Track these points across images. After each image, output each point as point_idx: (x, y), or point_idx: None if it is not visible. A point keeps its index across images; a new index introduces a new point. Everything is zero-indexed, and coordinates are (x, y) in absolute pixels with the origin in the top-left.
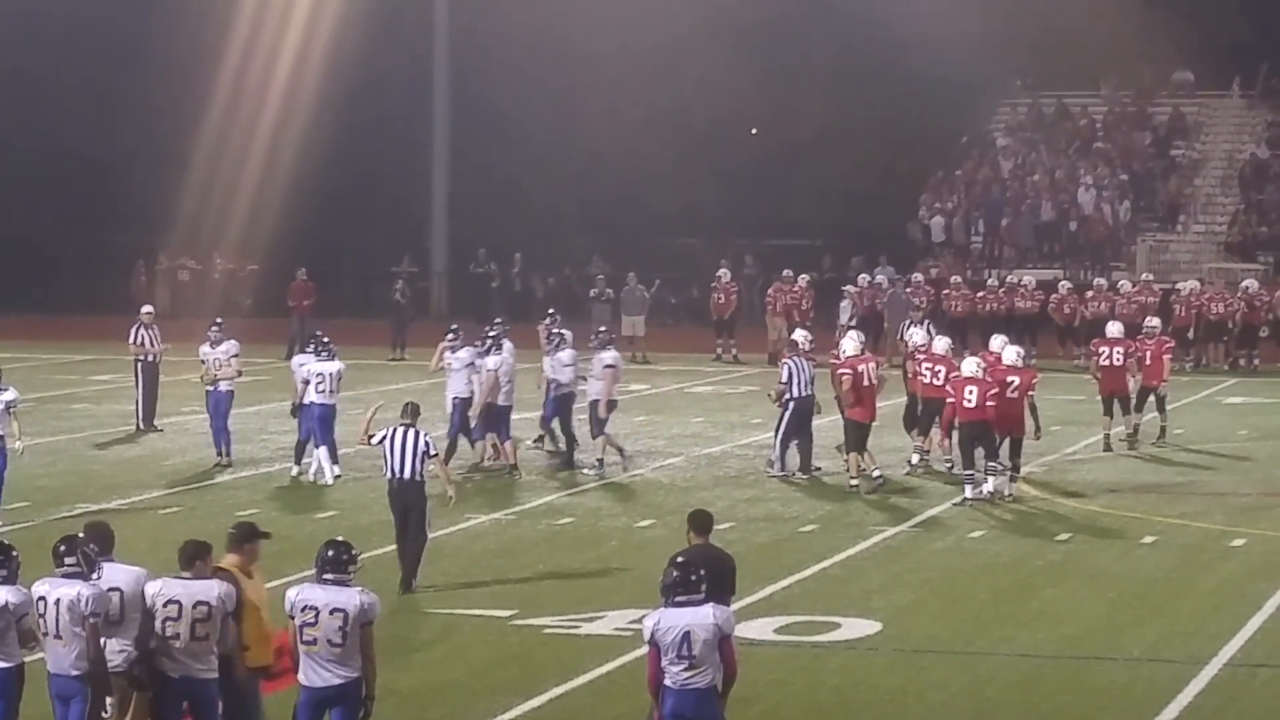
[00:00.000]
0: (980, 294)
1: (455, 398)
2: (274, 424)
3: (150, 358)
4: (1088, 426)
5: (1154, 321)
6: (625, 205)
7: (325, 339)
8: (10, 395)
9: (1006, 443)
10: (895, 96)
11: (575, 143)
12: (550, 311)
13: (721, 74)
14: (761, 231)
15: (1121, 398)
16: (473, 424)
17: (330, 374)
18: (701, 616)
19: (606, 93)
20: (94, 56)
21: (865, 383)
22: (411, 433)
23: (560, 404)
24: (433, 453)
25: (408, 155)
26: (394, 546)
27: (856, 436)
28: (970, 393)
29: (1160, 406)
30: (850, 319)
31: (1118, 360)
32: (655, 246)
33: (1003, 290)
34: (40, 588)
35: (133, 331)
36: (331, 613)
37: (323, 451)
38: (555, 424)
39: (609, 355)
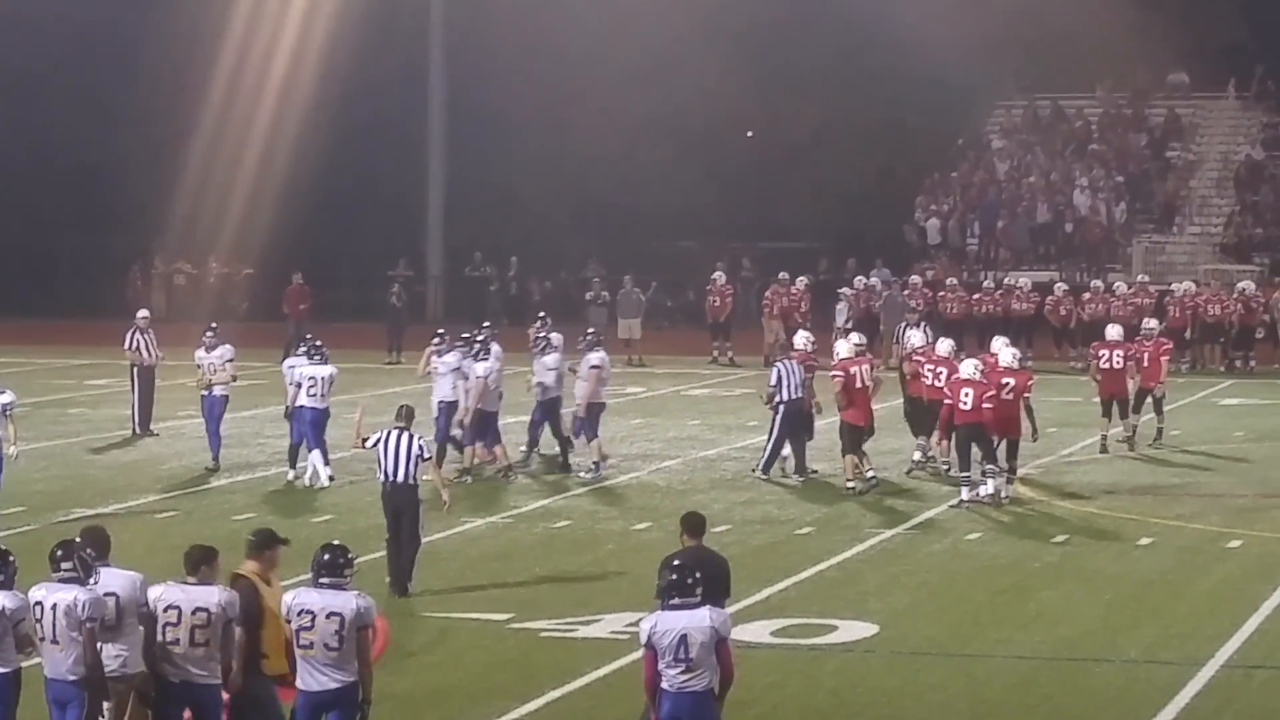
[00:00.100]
0: (976, 296)
1: (440, 401)
2: (270, 428)
3: (145, 363)
4: (1084, 428)
5: (1151, 323)
6: (621, 208)
7: (318, 342)
8: (7, 398)
9: (1003, 445)
10: (891, 99)
11: (571, 146)
12: (541, 315)
13: (717, 77)
14: (757, 234)
15: (1121, 400)
16: (461, 428)
17: (322, 377)
18: (698, 619)
19: (602, 96)
20: (89, 61)
21: (858, 385)
22: (405, 436)
23: (546, 409)
24: (426, 456)
25: (403, 159)
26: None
27: (851, 439)
28: (966, 395)
29: (1157, 408)
30: (847, 321)
31: (1118, 363)
32: (651, 249)
33: (999, 292)
34: (37, 593)
35: (128, 336)
36: (328, 617)
37: (315, 455)
38: (543, 429)
39: (595, 356)
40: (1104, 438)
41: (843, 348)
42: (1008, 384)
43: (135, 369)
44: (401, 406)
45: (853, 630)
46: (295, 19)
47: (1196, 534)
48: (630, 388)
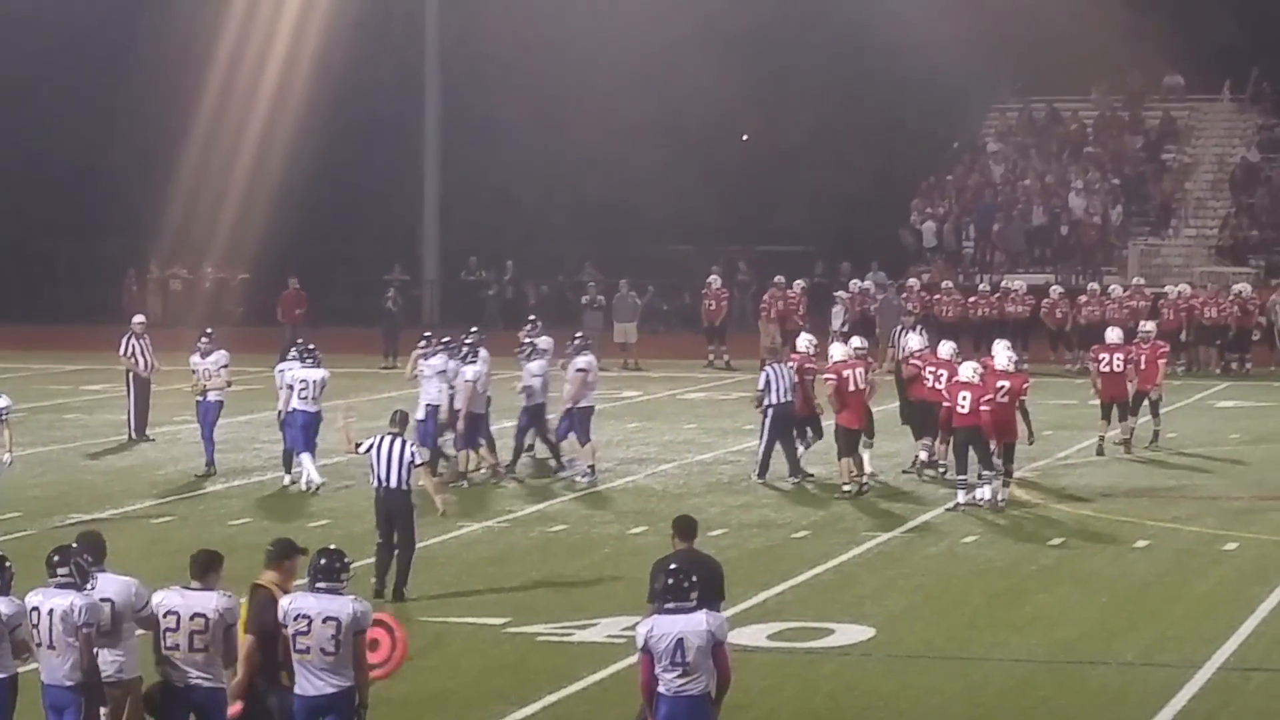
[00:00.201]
0: (971, 299)
1: (427, 404)
2: (265, 433)
3: (141, 369)
4: (1080, 431)
5: (1148, 326)
6: (617, 212)
7: (310, 345)
8: (2, 403)
9: (999, 448)
10: (886, 102)
11: (567, 150)
12: (531, 318)
13: (712, 81)
14: (753, 238)
15: (1121, 403)
16: (453, 431)
17: (313, 380)
18: (695, 623)
19: (598, 99)
20: (83, 66)
21: (851, 388)
22: (399, 442)
23: (531, 415)
24: (418, 462)
25: (399, 163)
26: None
27: (846, 442)
28: (964, 398)
29: (1154, 410)
30: (843, 325)
31: (1118, 366)
32: (647, 253)
33: (995, 295)
34: (34, 598)
35: (123, 342)
36: (324, 621)
37: (305, 458)
38: (530, 435)
39: (582, 360)
40: (1101, 439)
41: (837, 351)
42: (1003, 387)
43: (130, 374)
44: (396, 412)
45: (849, 634)
46: (289, 23)
47: (1193, 536)
48: (626, 391)
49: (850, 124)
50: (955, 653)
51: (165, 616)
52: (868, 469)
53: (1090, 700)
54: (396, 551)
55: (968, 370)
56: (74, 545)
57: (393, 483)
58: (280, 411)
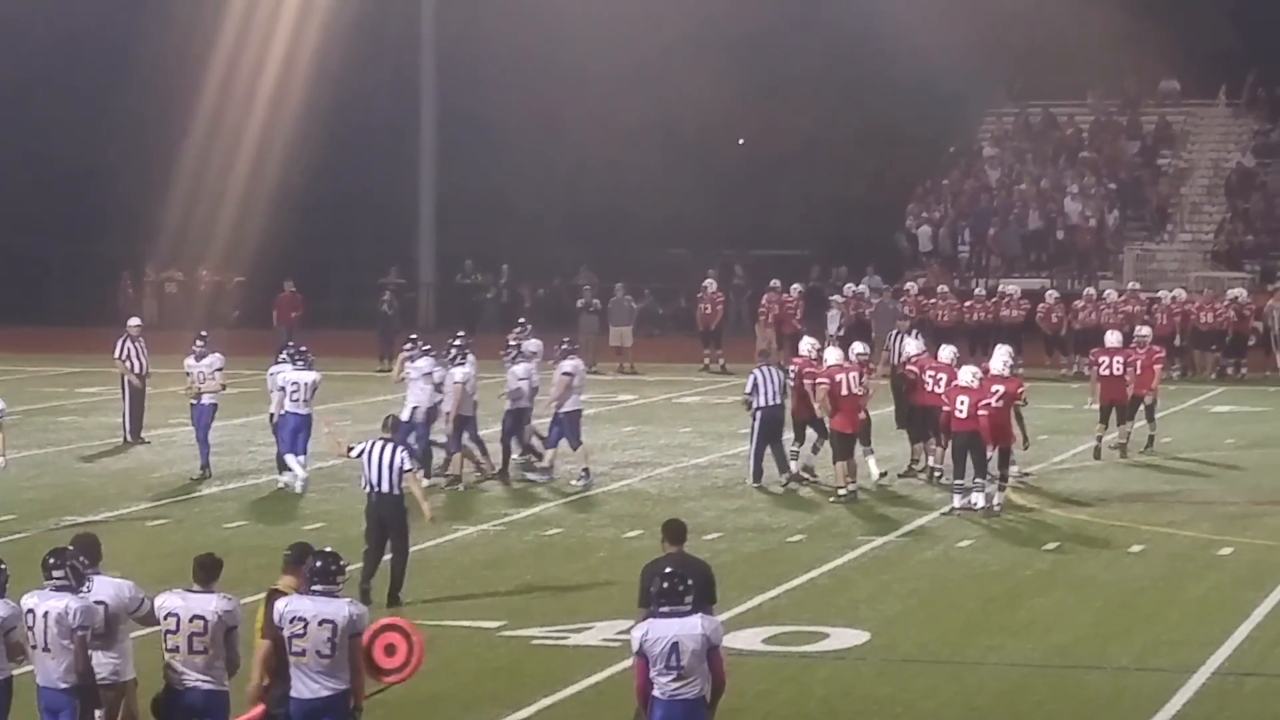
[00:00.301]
0: (967, 304)
1: (414, 407)
2: (261, 436)
3: (136, 372)
4: (1075, 435)
5: (1144, 331)
6: (612, 216)
7: (303, 348)
8: None
9: (994, 453)
10: (882, 107)
11: (562, 154)
12: (521, 321)
13: (708, 85)
14: (749, 241)
15: (1120, 407)
16: (433, 435)
17: (305, 383)
18: (690, 627)
19: (593, 104)
20: (80, 67)
21: (844, 392)
22: (389, 447)
23: (513, 418)
24: (407, 467)
25: (395, 166)
26: (384, 557)
27: (840, 446)
28: (962, 402)
29: (1149, 415)
30: (839, 329)
31: (1118, 369)
32: (643, 257)
33: (991, 300)
34: (29, 600)
35: (119, 345)
36: (320, 624)
37: (291, 459)
38: (506, 437)
39: (568, 364)
40: (1099, 440)
41: (831, 355)
42: (997, 391)
43: (126, 377)
44: (388, 417)
45: (844, 638)
46: (286, 26)
47: (1187, 541)
48: (622, 395)
49: (846, 128)
50: (950, 657)
51: (166, 619)
52: (875, 473)
53: (1085, 705)
54: (390, 556)
55: (967, 375)
56: (70, 548)
57: (384, 487)
58: (273, 414)
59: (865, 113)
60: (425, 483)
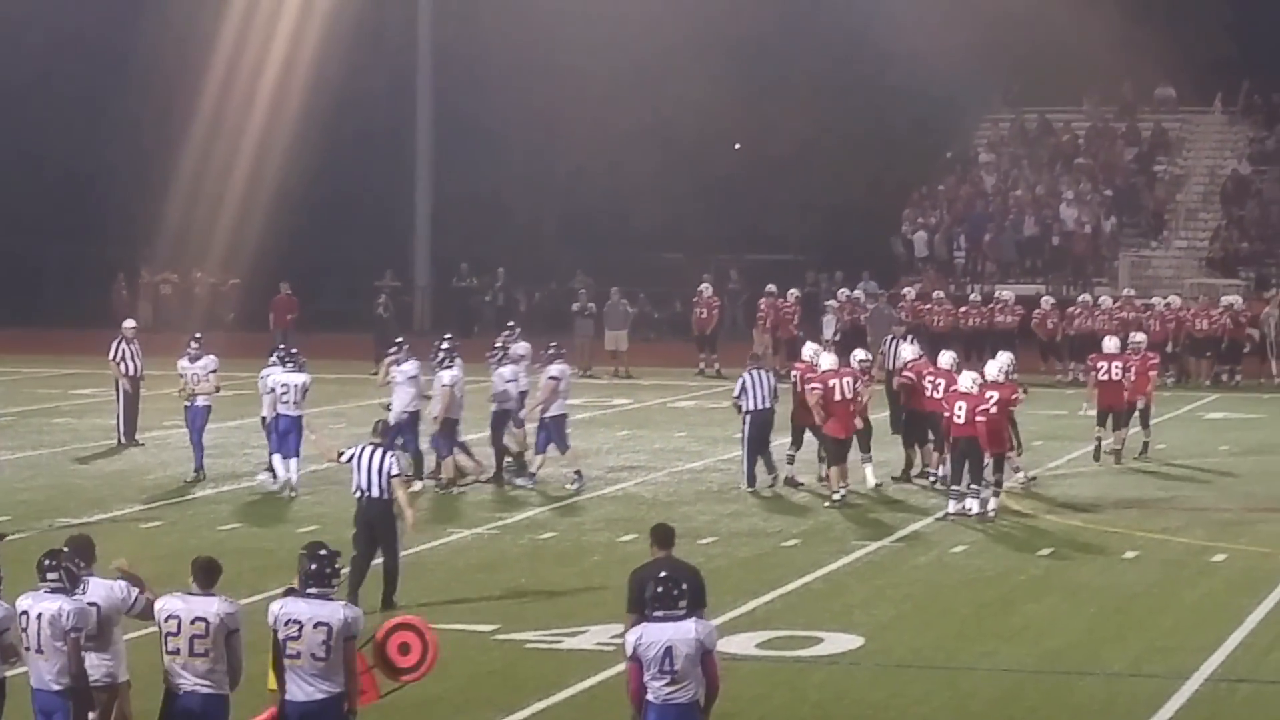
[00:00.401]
0: (963, 309)
1: (402, 411)
2: (255, 438)
3: (130, 374)
4: (1069, 441)
5: (1139, 337)
6: (608, 220)
7: (293, 350)
8: None
9: (991, 458)
10: (878, 112)
11: (558, 158)
12: (510, 325)
13: (705, 89)
14: (744, 246)
15: (1117, 412)
16: (422, 438)
17: (295, 385)
18: (684, 631)
19: (590, 108)
20: (78, 69)
21: (837, 397)
22: (379, 452)
23: (495, 420)
24: (395, 472)
25: (391, 170)
26: (379, 560)
27: (834, 451)
28: (960, 408)
29: (1144, 421)
30: (835, 334)
31: (1116, 374)
32: (638, 261)
33: (987, 306)
34: (23, 602)
35: (113, 347)
36: (315, 626)
37: (277, 459)
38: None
39: (554, 368)
40: (1099, 444)
41: (825, 360)
42: (992, 397)
43: (119, 379)
44: (378, 422)
45: (838, 642)
46: (284, 31)
47: (1181, 547)
48: (617, 399)
49: (842, 133)
50: (944, 662)
51: (166, 621)
52: (871, 482)
53: (1078, 711)
54: (381, 561)
55: (966, 380)
56: (65, 549)
57: (374, 492)
58: (264, 417)
59: (861, 118)
60: (417, 485)
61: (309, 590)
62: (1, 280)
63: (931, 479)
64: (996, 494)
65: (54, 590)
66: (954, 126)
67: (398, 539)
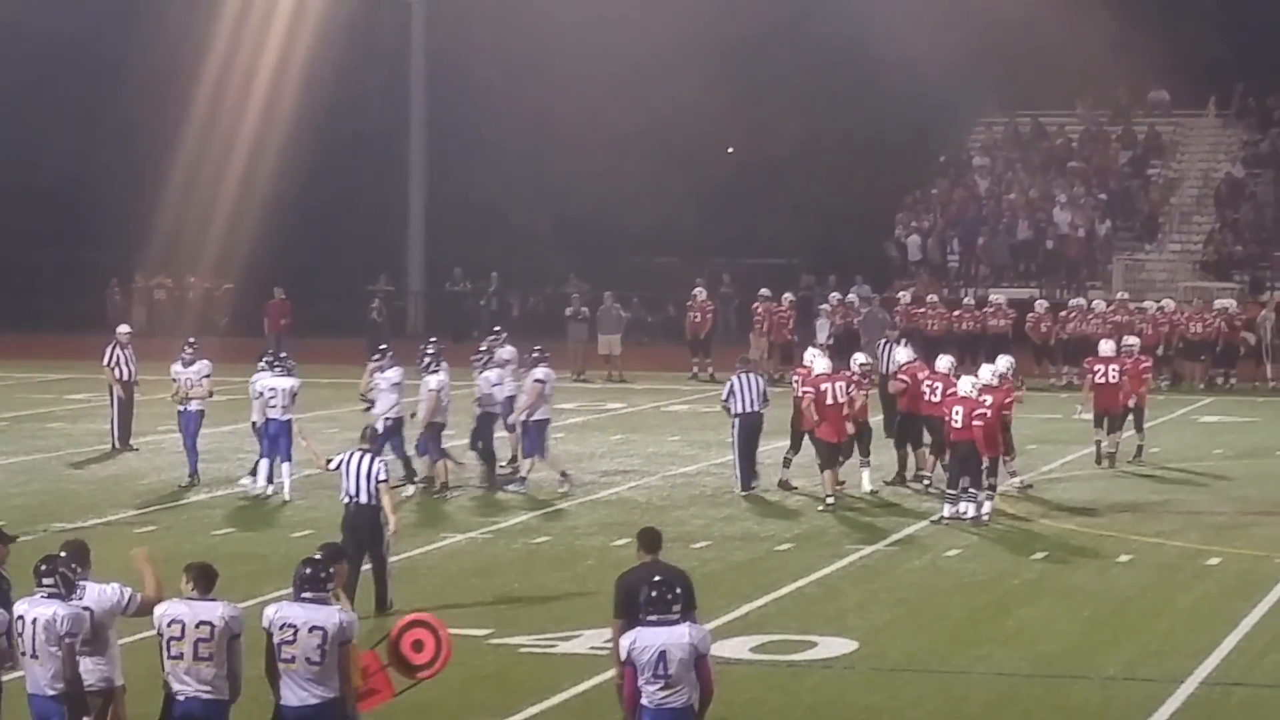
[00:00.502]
0: (956, 313)
1: (385, 417)
2: (249, 443)
3: (125, 379)
4: (1063, 445)
5: (1131, 340)
6: (602, 224)
7: (283, 354)
8: None
9: (986, 462)
10: (871, 115)
11: (552, 162)
12: (496, 329)
13: (698, 93)
14: (738, 250)
15: (1113, 415)
16: (411, 442)
17: (283, 390)
18: (678, 636)
19: (583, 112)
20: (71, 74)
21: (829, 401)
22: (367, 458)
23: (479, 423)
24: (383, 478)
25: (384, 174)
26: (368, 566)
27: (826, 455)
28: (957, 412)
29: (1138, 425)
30: (828, 338)
31: (1113, 377)
32: (632, 265)
33: (981, 310)
34: (19, 607)
35: (108, 352)
36: (310, 631)
37: (263, 463)
38: (492, 440)
39: (539, 371)
40: (1098, 446)
41: (819, 364)
42: (986, 401)
43: (113, 385)
44: (366, 428)
45: (832, 647)
46: (277, 35)
47: (1176, 551)
48: (610, 403)
49: (835, 137)
50: (938, 666)
51: (169, 625)
52: (866, 487)
53: (1072, 715)
54: (370, 567)
55: (965, 385)
56: (61, 554)
57: (362, 498)
58: (254, 421)
59: (855, 122)
60: (409, 490)
61: (304, 595)
62: None
63: (925, 482)
64: (990, 497)
65: (50, 595)
66: (948, 130)
67: (384, 544)
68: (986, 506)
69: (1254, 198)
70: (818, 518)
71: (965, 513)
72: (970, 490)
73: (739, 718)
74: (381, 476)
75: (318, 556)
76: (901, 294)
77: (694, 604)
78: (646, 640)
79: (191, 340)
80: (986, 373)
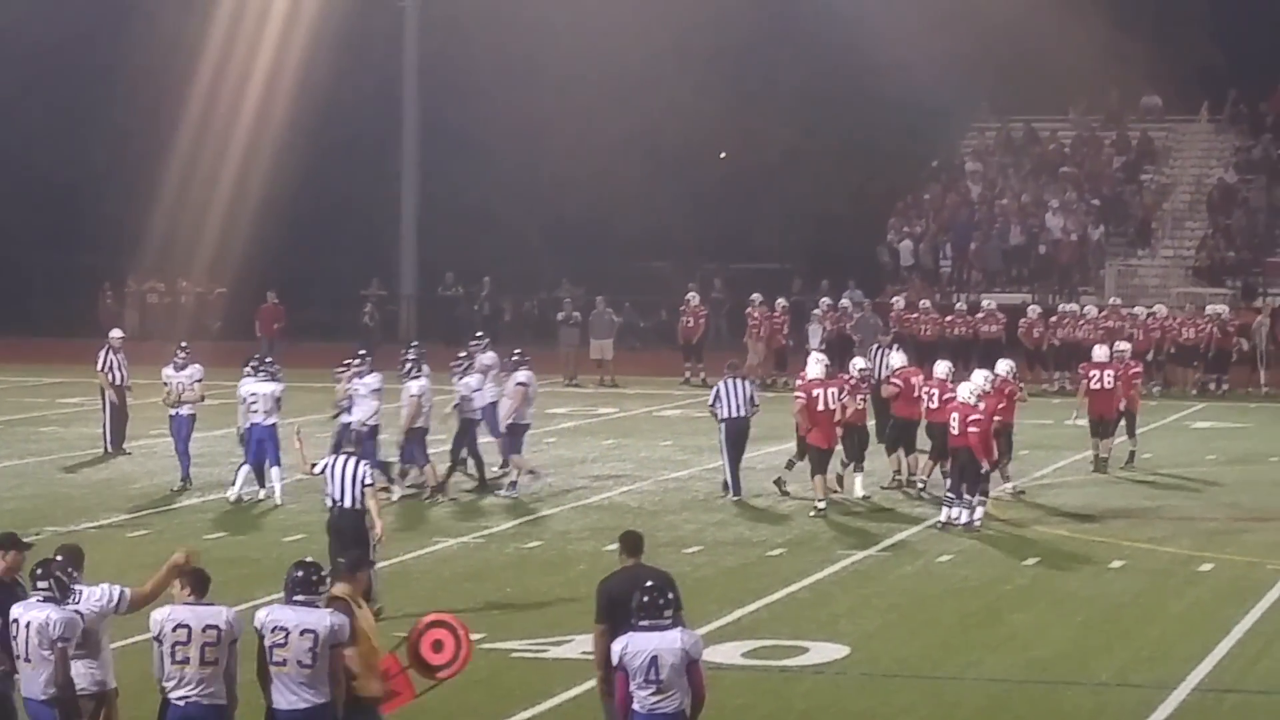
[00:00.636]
0: (949, 318)
1: (361, 422)
2: (242, 448)
3: (117, 384)
4: (1056, 451)
5: (1123, 346)
6: (594, 229)
7: (269, 360)
8: None
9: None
10: (864, 120)
11: (544, 166)
12: (478, 334)
13: (690, 98)
14: (730, 255)
15: (1109, 421)
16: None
17: (264, 394)
18: (669, 641)
19: (575, 117)
20: (64, 78)
21: (820, 407)
22: (352, 462)
23: (460, 429)
24: (369, 482)
25: (377, 178)
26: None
27: (816, 461)
28: (954, 418)
29: (1130, 430)
30: (821, 343)
31: (1108, 383)
32: (624, 270)
33: (974, 316)
34: (15, 610)
35: (101, 356)
36: (301, 634)
37: (244, 470)
38: (475, 446)
39: (521, 375)
40: (1096, 455)
41: (812, 370)
42: (980, 406)
43: (106, 389)
44: (351, 431)
45: (824, 652)
46: (271, 40)
47: (1168, 557)
48: (602, 408)
49: (828, 142)
50: (929, 672)
51: (175, 630)
52: (859, 493)
53: None
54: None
55: (964, 391)
56: (58, 558)
57: (346, 502)
58: (238, 427)
59: (847, 126)
60: (398, 493)
61: (295, 598)
62: None
63: (920, 486)
64: (983, 503)
65: (45, 599)
66: (940, 135)
67: (369, 548)
68: (979, 512)
69: (1246, 203)
70: (809, 523)
71: (958, 518)
72: (965, 496)
73: None
74: (367, 481)
75: (310, 560)
76: (895, 299)
77: (680, 605)
78: (639, 645)
79: (184, 344)
80: (979, 378)
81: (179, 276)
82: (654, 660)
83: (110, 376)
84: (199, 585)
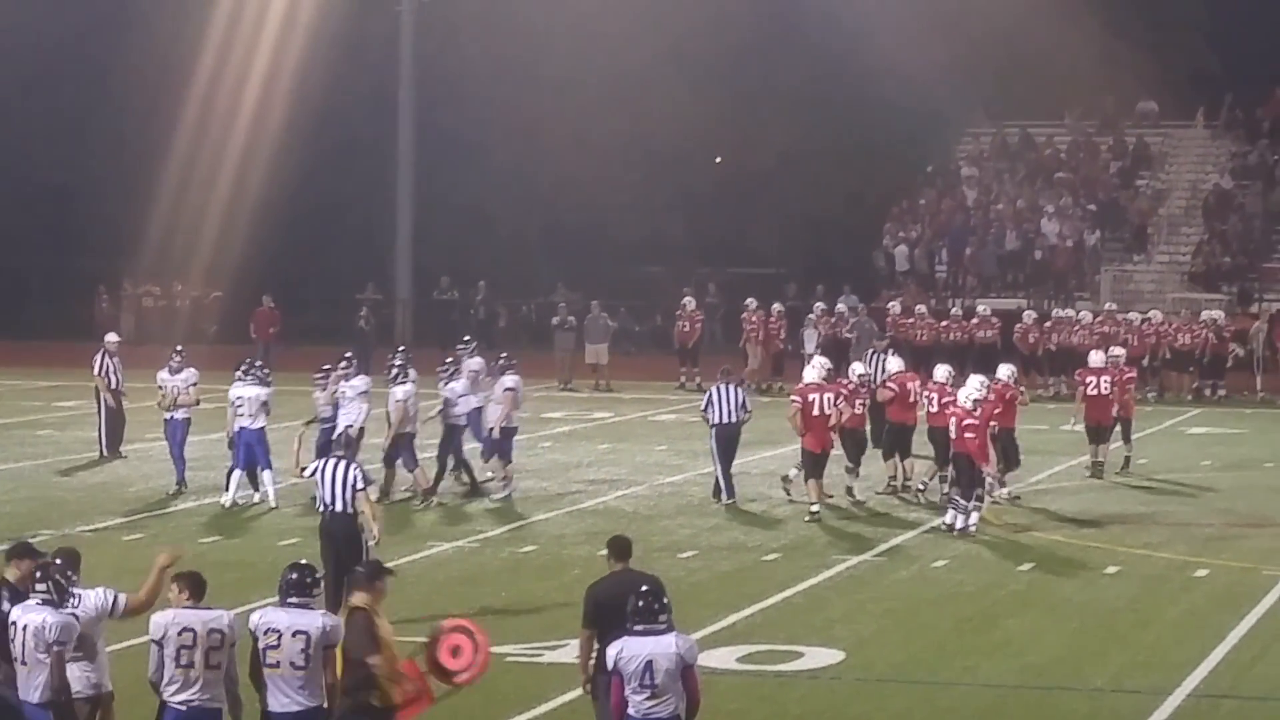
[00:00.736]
0: (944, 323)
1: (347, 426)
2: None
3: (113, 388)
4: (1050, 456)
5: (1118, 351)
6: (590, 233)
7: (258, 363)
8: None
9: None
10: (860, 125)
11: (540, 170)
12: (465, 339)
13: (686, 102)
14: (725, 259)
15: (1105, 426)
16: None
17: (249, 398)
18: (664, 646)
19: (571, 120)
20: (61, 82)
21: (815, 412)
22: (343, 465)
23: (446, 435)
24: (360, 486)
25: (373, 183)
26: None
27: (811, 465)
28: (952, 423)
29: (1125, 436)
30: (816, 348)
31: (1105, 389)
32: (619, 274)
33: (970, 321)
34: (13, 613)
35: (97, 361)
36: (294, 635)
37: (236, 475)
38: (461, 451)
39: (509, 379)
40: (1094, 461)
41: (809, 374)
42: (976, 412)
43: (102, 393)
44: (342, 434)
45: (819, 657)
46: (267, 44)
47: (1163, 563)
48: (597, 413)
49: (823, 147)
50: (925, 677)
51: (181, 634)
52: (856, 495)
53: None
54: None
55: (962, 396)
56: (56, 561)
57: (338, 506)
58: (228, 431)
59: (843, 132)
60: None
61: (289, 600)
62: None
63: (921, 487)
64: (978, 508)
65: (43, 602)
66: (935, 140)
67: (362, 552)
68: (974, 517)
69: (1242, 209)
70: (804, 528)
71: (954, 524)
72: (961, 501)
73: None
74: (358, 485)
75: (304, 562)
76: (891, 304)
77: (670, 609)
78: (633, 650)
79: (179, 348)
80: (975, 383)
81: (175, 280)
82: (649, 665)
83: (106, 380)
84: (196, 589)
